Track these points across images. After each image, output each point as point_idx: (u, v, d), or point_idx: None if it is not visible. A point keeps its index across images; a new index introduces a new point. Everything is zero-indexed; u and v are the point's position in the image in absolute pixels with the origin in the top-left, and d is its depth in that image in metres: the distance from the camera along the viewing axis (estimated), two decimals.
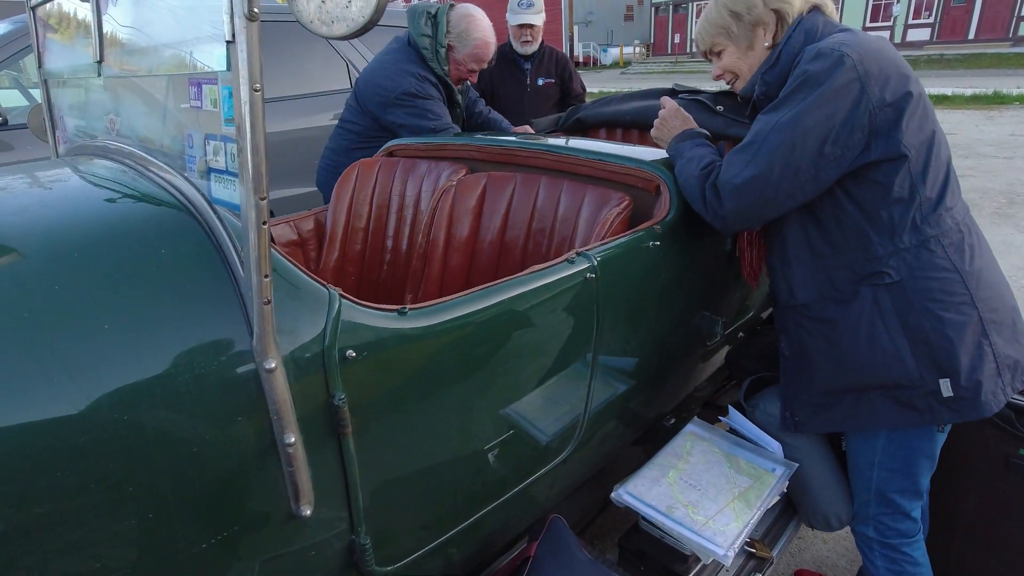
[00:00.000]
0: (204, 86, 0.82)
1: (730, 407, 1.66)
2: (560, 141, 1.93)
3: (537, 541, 1.22)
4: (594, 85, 15.73)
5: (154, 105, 0.99)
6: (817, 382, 1.38)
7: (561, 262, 1.21)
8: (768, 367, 1.79)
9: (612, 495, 1.43)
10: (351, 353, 0.89)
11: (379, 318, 0.94)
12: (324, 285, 0.90)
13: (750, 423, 1.60)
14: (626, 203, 1.50)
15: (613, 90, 15.04)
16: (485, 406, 1.13)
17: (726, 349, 2.05)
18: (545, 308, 1.17)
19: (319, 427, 0.89)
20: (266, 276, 0.77)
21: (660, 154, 1.68)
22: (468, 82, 2.64)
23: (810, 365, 1.37)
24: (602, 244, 1.32)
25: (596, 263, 1.24)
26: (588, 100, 3.18)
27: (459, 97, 2.59)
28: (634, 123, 2.84)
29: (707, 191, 1.34)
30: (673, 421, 1.89)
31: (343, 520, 0.97)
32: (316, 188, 2.83)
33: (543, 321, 1.18)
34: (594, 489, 1.75)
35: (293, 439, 0.84)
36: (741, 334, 2.13)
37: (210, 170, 0.84)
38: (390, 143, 2.27)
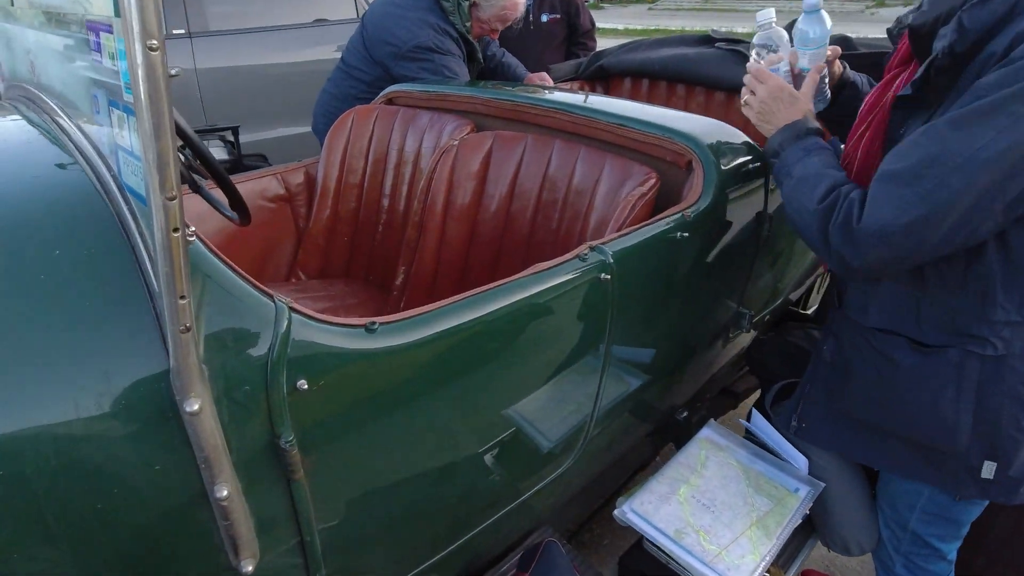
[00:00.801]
0: (102, 35, 0.61)
1: (754, 411, 1.50)
2: (578, 98, 1.69)
3: (528, 572, 1.08)
4: (619, 21, 14.85)
5: (65, 50, 0.79)
6: (846, 405, 1.18)
7: (571, 259, 1.01)
8: (793, 369, 1.61)
9: (615, 512, 1.29)
10: (303, 384, 0.72)
11: (340, 336, 0.76)
12: (271, 296, 0.72)
13: (776, 432, 1.44)
14: (653, 182, 1.28)
15: (639, 28, 14.18)
16: (472, 431, 0.96)
17: (749, 334, 1.87)
18: (549, 316, 0.99)
19: (263, 471, 0.73)
20: (182, 298, 0.59)
21: (695, 122, 1.45)
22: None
23: (848, 386, 1.17)
24: (620, 235, 1.11)
25: (612, 261, 1.04)
26: (612, 42, 2.88)
27: (479, 54, 2.32)
28: (664, 73, 2.57)
29: (834, 235, 0.95)
30: (686, 414, 1.74)
31: (297, 568, 0.83)
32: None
33: (545, 332, 1.00)
34: (595, 487, 1.62)
35: (226, 491, 0.68)
36: (768, 318, 1.94)
37: (117, 147, 0.65)
38: (389, 89, 2.03)
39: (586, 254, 1.03)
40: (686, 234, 1.19)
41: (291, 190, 1.97)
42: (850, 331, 1.15)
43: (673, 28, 13.16)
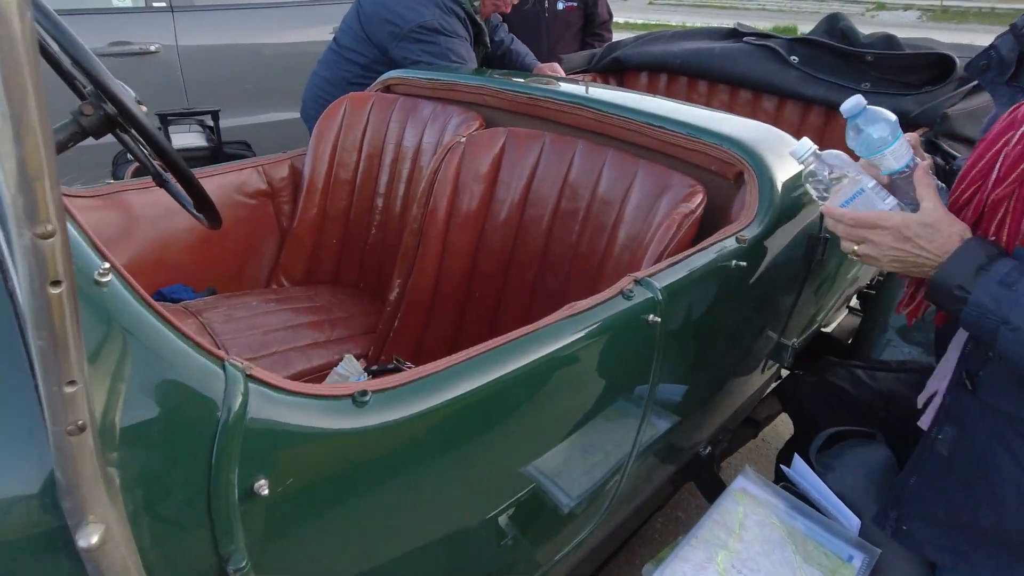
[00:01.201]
0: None
1: (797, 458, 1.31)
2: (606, 93, 1.49)
3: None
4: (619, 15, 14.57)
5: None
6: (976, 517, 0.94)
7: (614, 296, 0.81)
8: (834, 414, 1.43)
9: None
10: (262, 485, 0.51)
11: (318, 413, 0.55)
12: (220, 361, 0.51)
13: (822, 484, 1.25)
14: (700, 198, 1.08)
15: (640, 22, 13.89)
16: (485, 517, 0.76)
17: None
18: (585, 368, 0.78)
19: None
20: (70, 384, 0.38)
21: (744, 126, 1.25)
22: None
23: (983, 493, 0.93)
24: (669, 265, 0.91)
25: (662, 298, 0.84)
26: (616, 37, 2.69)
27: (487, 37, 2.11)
28: (685, 68, 2.37)
29: None
30: (709, 449, 1.55)
31: None
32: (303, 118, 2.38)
33: (580, 387, 0.80)
34: (613, 535, 1.43)
35: None
36: (798, 346, 1.77)
37: None
38: (387, 75, 1.82)
39: (631, 289, 0.83)
40: (743, 263, 0.98)
41: (274, 184, 1.77)
42: (991, 422, 0.91)
43: (674, 23, 12.93)
